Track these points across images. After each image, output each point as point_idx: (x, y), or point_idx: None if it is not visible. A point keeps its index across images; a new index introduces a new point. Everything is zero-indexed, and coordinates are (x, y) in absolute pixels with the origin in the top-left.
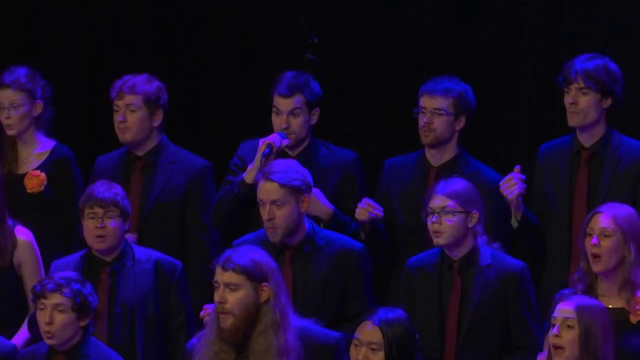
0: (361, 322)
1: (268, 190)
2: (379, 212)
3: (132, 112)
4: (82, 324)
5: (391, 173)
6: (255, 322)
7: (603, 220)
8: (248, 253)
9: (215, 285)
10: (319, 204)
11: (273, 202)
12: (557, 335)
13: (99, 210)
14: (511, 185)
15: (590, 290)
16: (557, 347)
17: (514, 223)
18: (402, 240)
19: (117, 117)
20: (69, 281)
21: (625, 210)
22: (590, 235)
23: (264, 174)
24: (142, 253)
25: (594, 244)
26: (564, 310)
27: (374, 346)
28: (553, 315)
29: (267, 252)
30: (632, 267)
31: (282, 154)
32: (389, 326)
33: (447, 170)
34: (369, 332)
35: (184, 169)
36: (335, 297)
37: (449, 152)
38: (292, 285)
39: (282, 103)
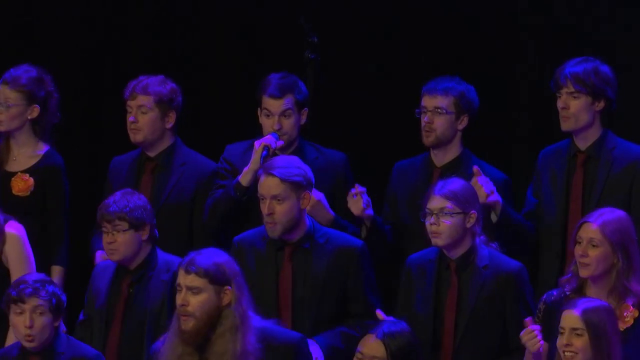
0: (364, 335)
1: (269, 185)
2: (363, 189)
3: (143, 114)
4: (56, 324)
5: (399, 175)
6: (216, 325)
7: (591, 230)
8: (211, 256)
9: (178, 288)
10: (323, 209)
11: (273, 197)
12: (567, 345)
13: (108, 225)
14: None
15: (579, 292)
16: (568, 354)
17: (494, 218)
18: (409, 241)
19: (129, 118)
20: (43, 283)
21: (615, 217)
22: (579, 243)
23: (265, 169)
24: (164, 262)
25: (582, 254)
26: (570, 318)
27: None
28: (560, 324)
29: (268, 248)
30: (620, 274)
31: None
32: (392, 340)
33: (451, 170)
34: (371, 345)
35: (193, 171)
36: (335, 294)
37: (452, 152)
38: (291, 282)
39: (273, 104)
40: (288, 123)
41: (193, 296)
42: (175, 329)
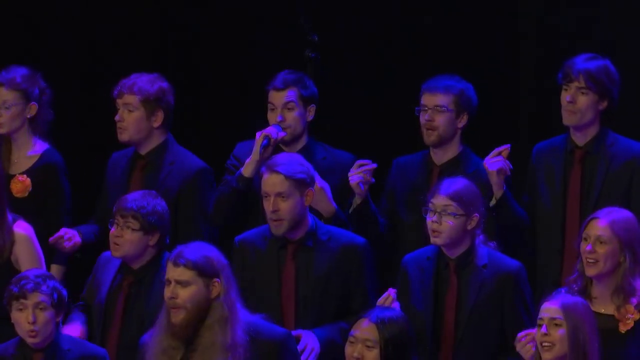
0: (358, 319)
1: (273, 183)
2: (371, 167)
3: (129, 112)
4: (58, 319)
5: (397, 172)
6: (205, 317)
7: (600, 226)
8: (199, 249)
9: (166, 282)
10: (326, 199)
11: (278, 195)
12: (546, 334)
13: (120, 219)
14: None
15: (584, 292)
16: (546, 345)
17: (492, 201)
18: (406, 238)
19: (115, 117)
20: (44, 278)
21: (623, 215)
22: (586, 240)
23: (269, 166)
24: None
25: (589, 251)
26: (550, 309)
27: (369, 343)
28: (539, 316)
29: (270, 247)
30: (626, 274)
31: (279, 152)
32: (385, 324)
33: (450, 169)
34: (365, 329)
35: (180, 171)
36: (337, 291)
37: (451, 150)
38: (294, 280)
39: (276, 97)
40: (291, 116)
41: (182, 289)
42: (163, 323)
